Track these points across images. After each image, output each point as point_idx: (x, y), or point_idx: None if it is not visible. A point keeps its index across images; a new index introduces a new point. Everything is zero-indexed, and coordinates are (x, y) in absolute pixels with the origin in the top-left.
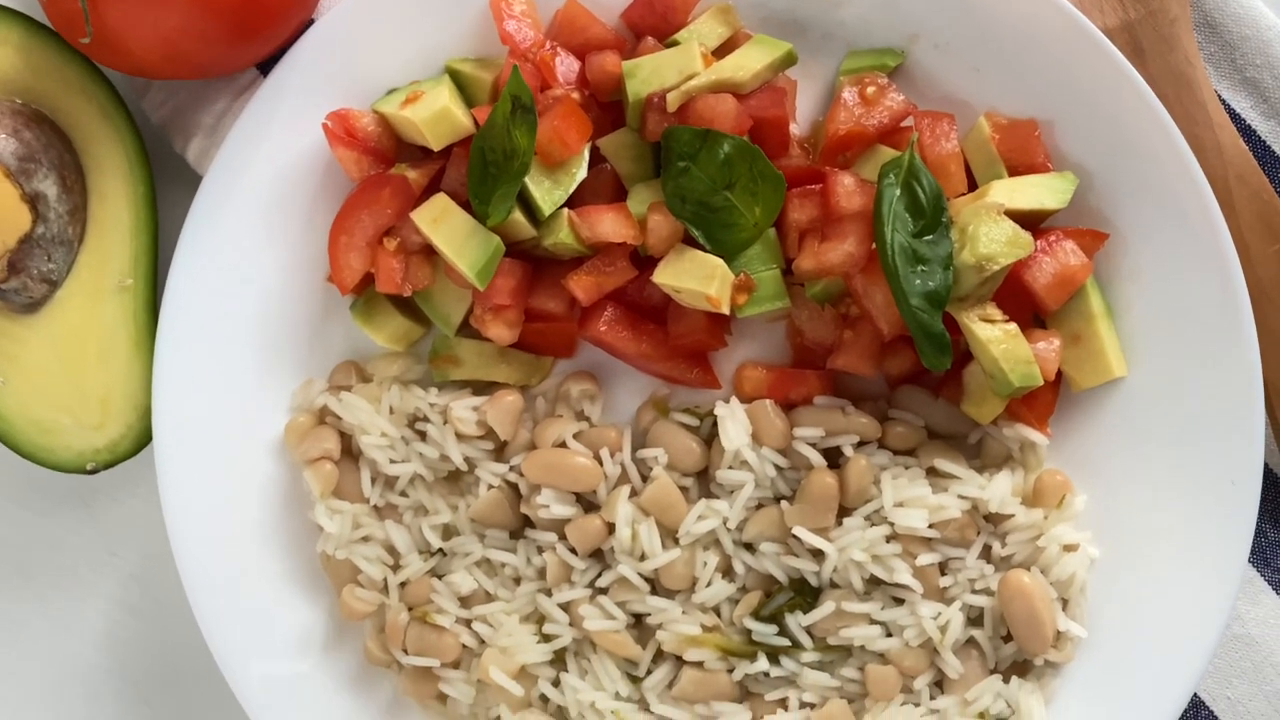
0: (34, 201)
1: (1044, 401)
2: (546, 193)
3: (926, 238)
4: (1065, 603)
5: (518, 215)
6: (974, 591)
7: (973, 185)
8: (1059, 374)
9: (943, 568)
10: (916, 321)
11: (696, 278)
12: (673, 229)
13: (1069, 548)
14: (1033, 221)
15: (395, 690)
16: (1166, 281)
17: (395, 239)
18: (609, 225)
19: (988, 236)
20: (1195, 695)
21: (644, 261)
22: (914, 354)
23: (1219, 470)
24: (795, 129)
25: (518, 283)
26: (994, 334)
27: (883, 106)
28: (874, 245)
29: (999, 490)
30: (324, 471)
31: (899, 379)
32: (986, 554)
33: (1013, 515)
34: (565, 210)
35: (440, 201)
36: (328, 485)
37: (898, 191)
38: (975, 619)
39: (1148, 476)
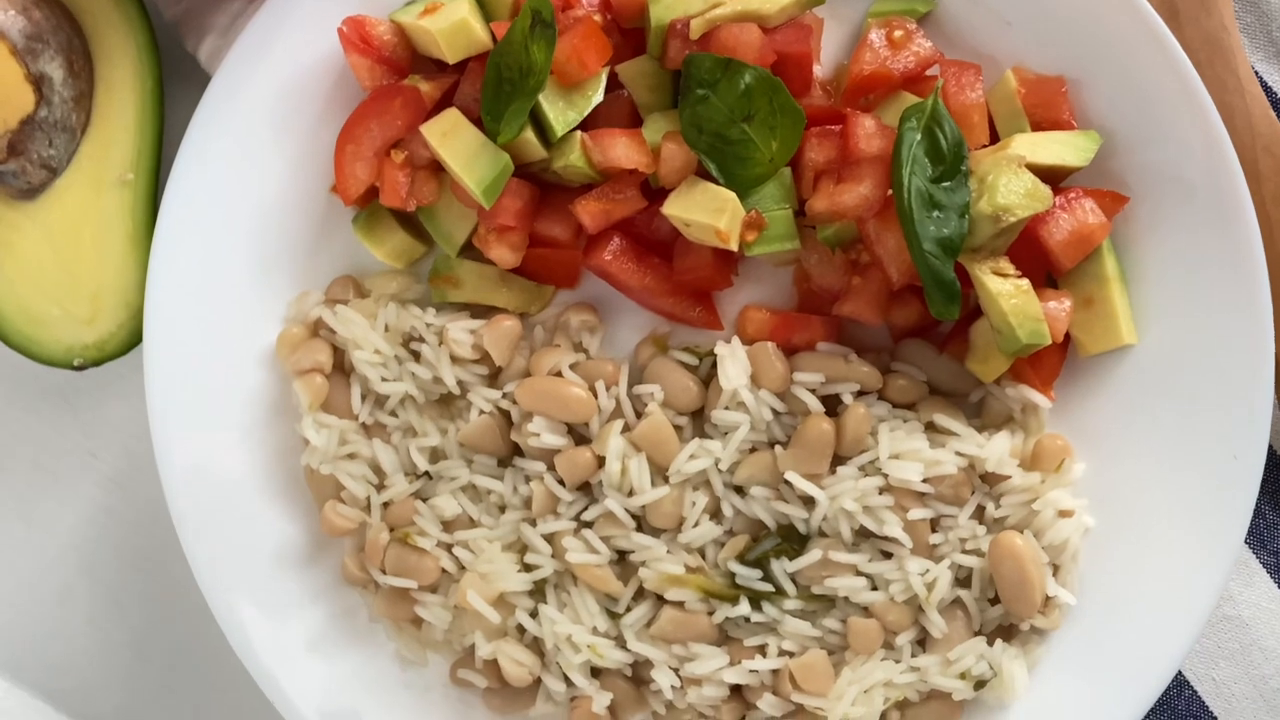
0: (38, 83)
1: (1050, 364)
2: (560, 113)
3: (944, 184)
4: (1056, 569)
5: (529, 134)
6: (964, 551)
7: (994, 139)
8: (1067, 337)
9: (934, 525)
10: (928, 267)
11: (707, 210)
12: (686, 159)
13: (1064, 513)
14: (1053, 179)
15: (370, 611)
16: (1184, 250)
17: (403, 152)
18: (622, 150)
19: (1007, 187)
20: (1180, 674)
21: (654, 194)
22: (921, 305)
23: (1222, 444)
24: (818, 70)
25: (524, 205)
26: (1005, 288)
27: (909, 51)
28: (890, 190)
29: (997, 449)
30: (314, 384)
31: (904, 331)
32: (979, 515)
33: (1009, 477)
34: (578, 133)
35: (451, 116)
36: (317, 398)
37: (919, 136)
38: (963, 579)
39: (1149, 447)
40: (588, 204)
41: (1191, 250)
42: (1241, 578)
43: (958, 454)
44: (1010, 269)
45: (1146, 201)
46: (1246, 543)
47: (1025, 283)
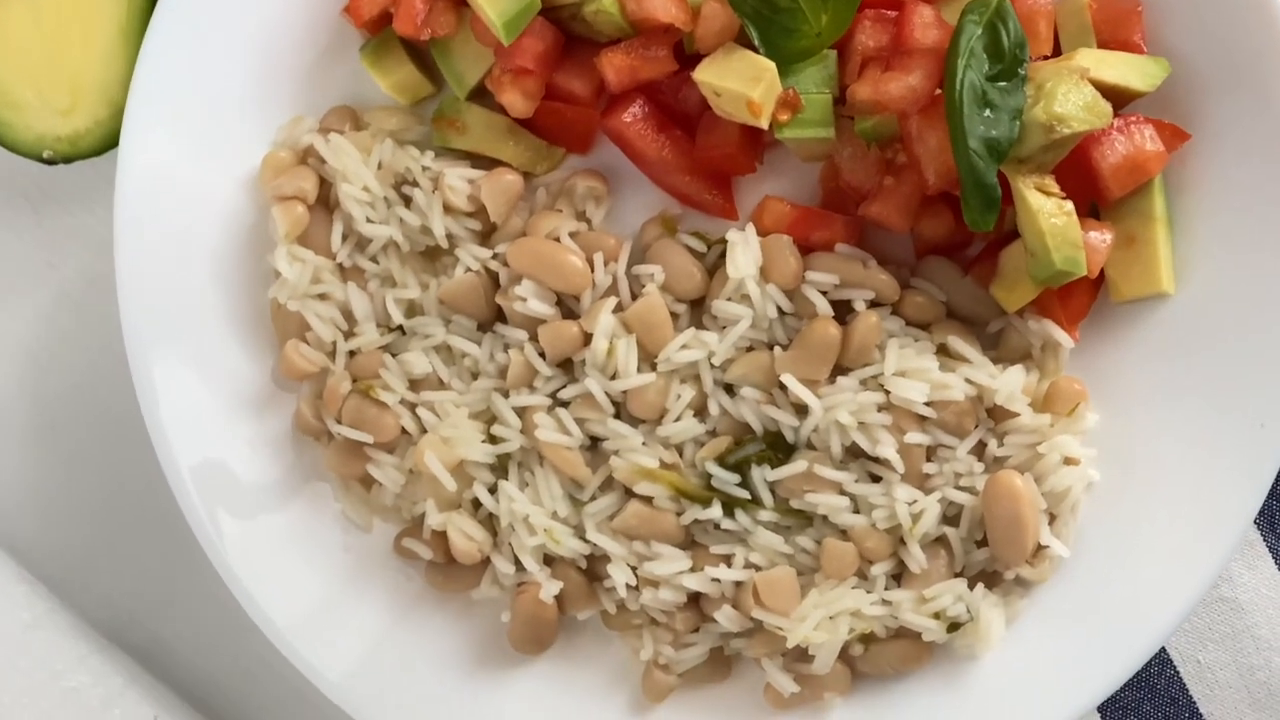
0: None
1: (1079, 301)
2: None
3: (1000, 84)
4: (1052, 519)
5: None
6: (957, 486)
7: (1057, 54)
8: (1099, 278)
9: (930, 454)
10: (970, 168)
11: (742, 78)
12: (727, 22)
13: (1070, 461)
14: (1114, 101)
15: (320, 464)
16: (1239, 203)
17: None
18: (660, 1)
19: (1065, 97)
20: (1164, 650)
21: (687, 60)
22: (953, 217)
23: (1249, 412)
24: None
25: (546, 49)
26: (1047, 205)
27: None
28: (939, 88)
29: (1010, 383)
30: (294, 212)
31: (930, 246)
32: (980, 451)
33: (1018, 414)
34: None
35: None
36: (294, 228)
37: (979, 29)
38: (952, 517)
39: (1170, 405)
40: (614, 58)
41: (1247, 204)
42: (1245, 559)
43: (967, 381)
44: (1055, 188)
45: (1208, 144)
46: (1256, 522)
47: (1069, 204)
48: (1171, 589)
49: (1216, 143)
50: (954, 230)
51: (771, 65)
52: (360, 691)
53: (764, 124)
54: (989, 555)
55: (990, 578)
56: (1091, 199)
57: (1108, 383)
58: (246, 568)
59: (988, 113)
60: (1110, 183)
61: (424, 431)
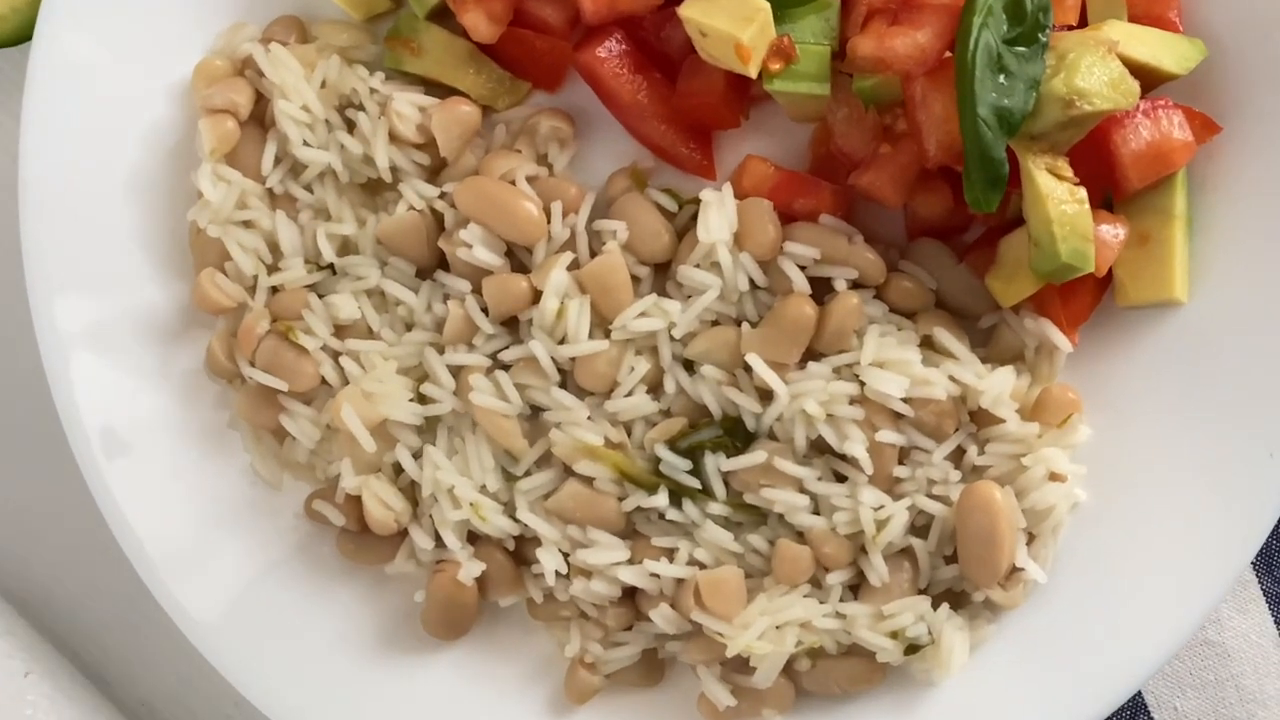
0: None
1: (1081, 302)
2: None
3: (1018, 48)
4: (1031, 539)
5: None
6: (930, 494)
7: (1083, 25)
8: (1105, 280)
9: (902, 455)
10: (976, 137)
11: (732, 18)
12: None
13: (1055, 477)
14: (1142, 82)
15: (231, 412)
16: (1267, 204)
17: None
18: None
19: (1089, 70)
20: (1139, 695)
21: None
22: (952, 195)
23: (1257, 439)
24: None
25: None
26: (1058, 190)
27: None
28: (951, 47)
29: (998, 385)
30: (223, 127)
31: (923, 226)
32: (957, 457)
33: (1003, 421)
34: None
35: None
36: (223, 144)
37: None
38: (920, 527)
39: (1171, 425)
40: None
41: (1276, 209)
42: (1236, 601)
43: (951, 379)
44: (1068, 171)
45: (1239, 139)
46: (1252, 563)
47: (1082, 192)
48: (1154, 628)
49: (1249, 139)
50: (951, 211)
51: (766, 7)
52: (241, 654)
53: (752, 72)
54: (957, 573)
55: (957, 598)
56: (1106, 189)
57: (1104, 394)
58: (132, 507)
59: (1002, 79)
60: (1130, 172)
61: (345, 383)
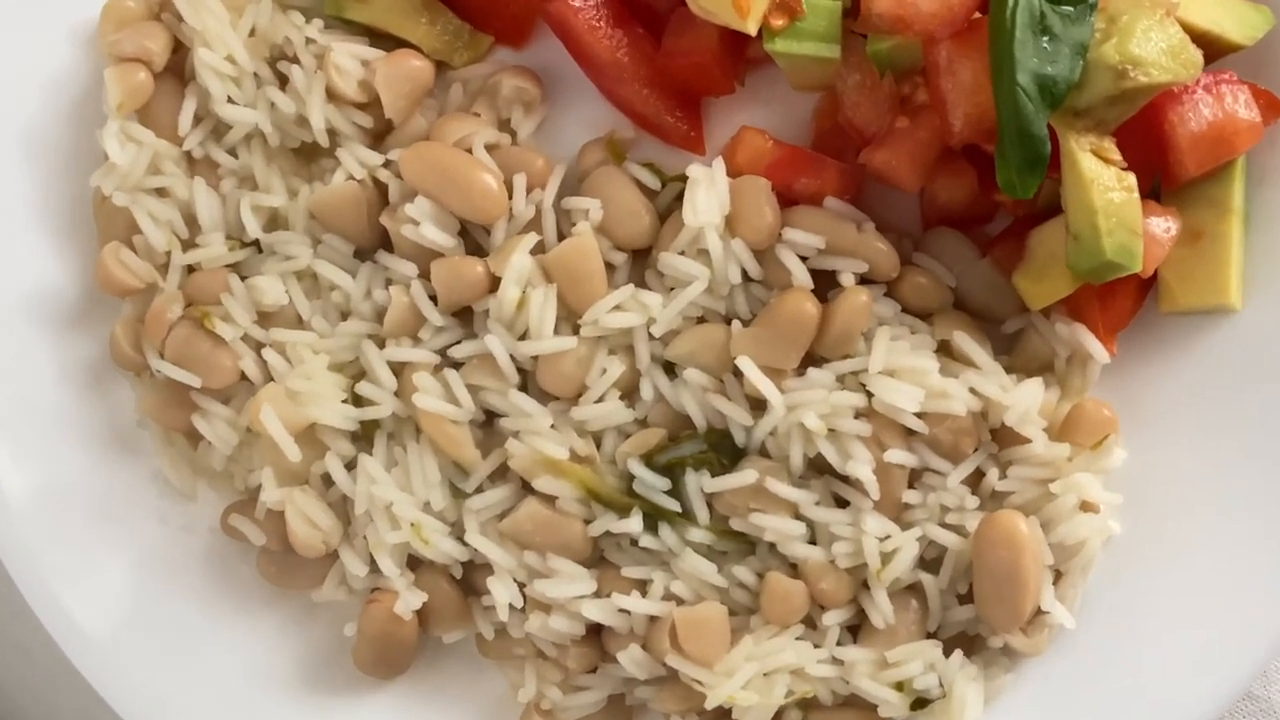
0: None
1: (1121, 306)
2: None
3: (1064, 8)
4: (1058, 576)
5: None
6: (943, 524)
7: None
8: (1150, 278)
9: (913, 478)
10: (1015, 110)
11: None
12: None
13: (1087, 506)
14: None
15: (135, 406)
16: None
17: None
18: None
19: (1145, 36)
20: None
21: None
22: (976, 180)
23: None
24: None
25: None
26: (1104, 176)
27: None
28: (982, 5)
29: (1024, 400)
30: (133, 79)
31: (943, 213)
32: (976, 481)
33: (1029, 440)
34: None
35: None
36: (132, 98)
37: None
38: (931, 561)
39: (1220, 450)
40: None
41: None
42: None
43: (971, 391)
44: (1116, 154)
45: None
46: None
47: (1130, 178)
48: (1195, 684)
49: None
50: (975, 197)
51: None
52: (137, 683)
53: (751, 29)
54: (972, 615)
55: (970, 643)
56: (1154, 176)
57: (1144, 412)
58: (22, 513)
59: (1045, 42)
60: (1187, 157)
61: (269, 380)
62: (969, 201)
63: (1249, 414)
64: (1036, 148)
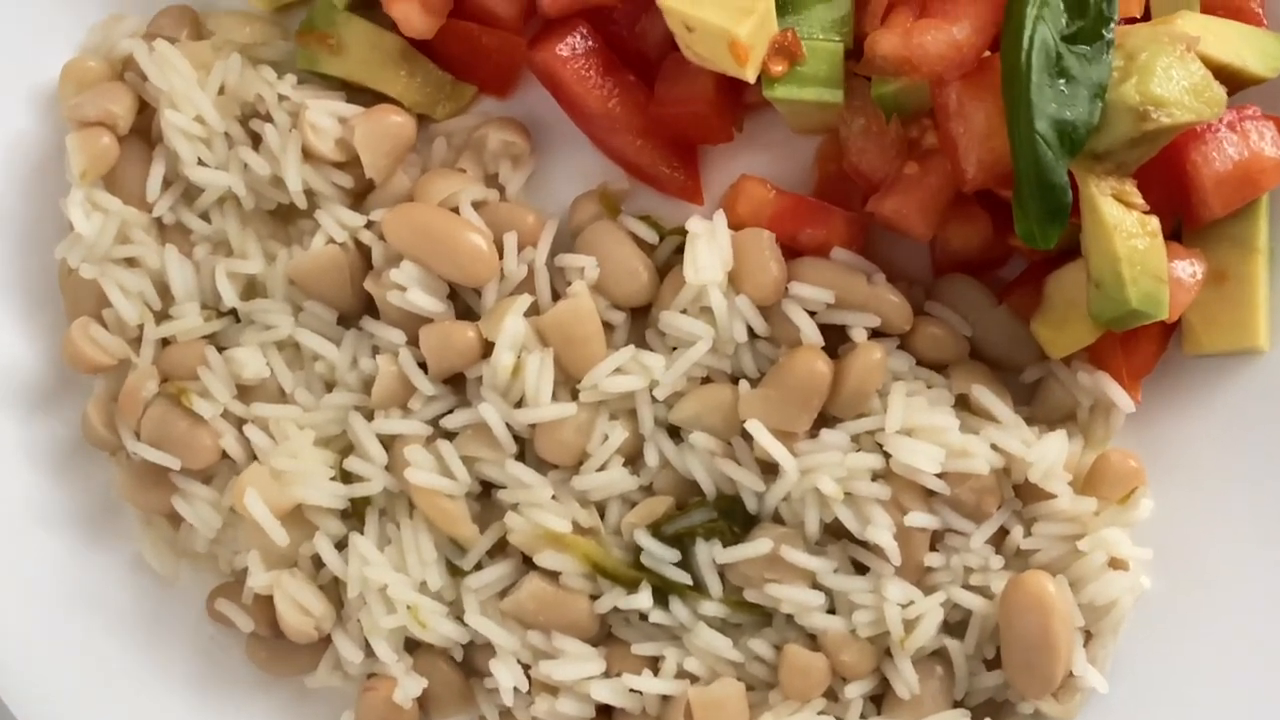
0: None
1: (1145, 351)
2: None
3: (1080, 47)
4: (1088, 637)
5: None
6: (967, 585)
7: (1146, 17)
8: (1176, 320)
9: (935, 539)
10: (1034, 159)
11: (725, 9)
12: None
13: (1117, 564)
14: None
15: (112, 488)
16: None
17: None
18: None
19: (1166, 74)
20: None
21: None
22: (990, 225)
23: None
24: None
25: None
26: (1127, 222)
27: None
28: (992, 44)
29: (1049, 455)
30: (97, 145)
31: (955, 260)
32: (999, 538)
33: (1055, 496)
34: None
35: None
36: (97, 165)
37: None
38: (956, 625)
39: (1254, 499)
40: None
41: None
42: None
43: (994, 448)
44: (1138, 198)
45: None
46: None
47: (1154, 222)
48: None
49: None
50: (992, 240)
51: None
52: None
53: (751, 76)
54: (1000, 680)
55: (999, 709)
56: (1176, 215)
57: (1170, 460)
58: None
59: (1062, 85)
60: (1212, 197)
61: (252, 458)
62: (983, 247)
63: (1271, 454)
64: (1058, 197)
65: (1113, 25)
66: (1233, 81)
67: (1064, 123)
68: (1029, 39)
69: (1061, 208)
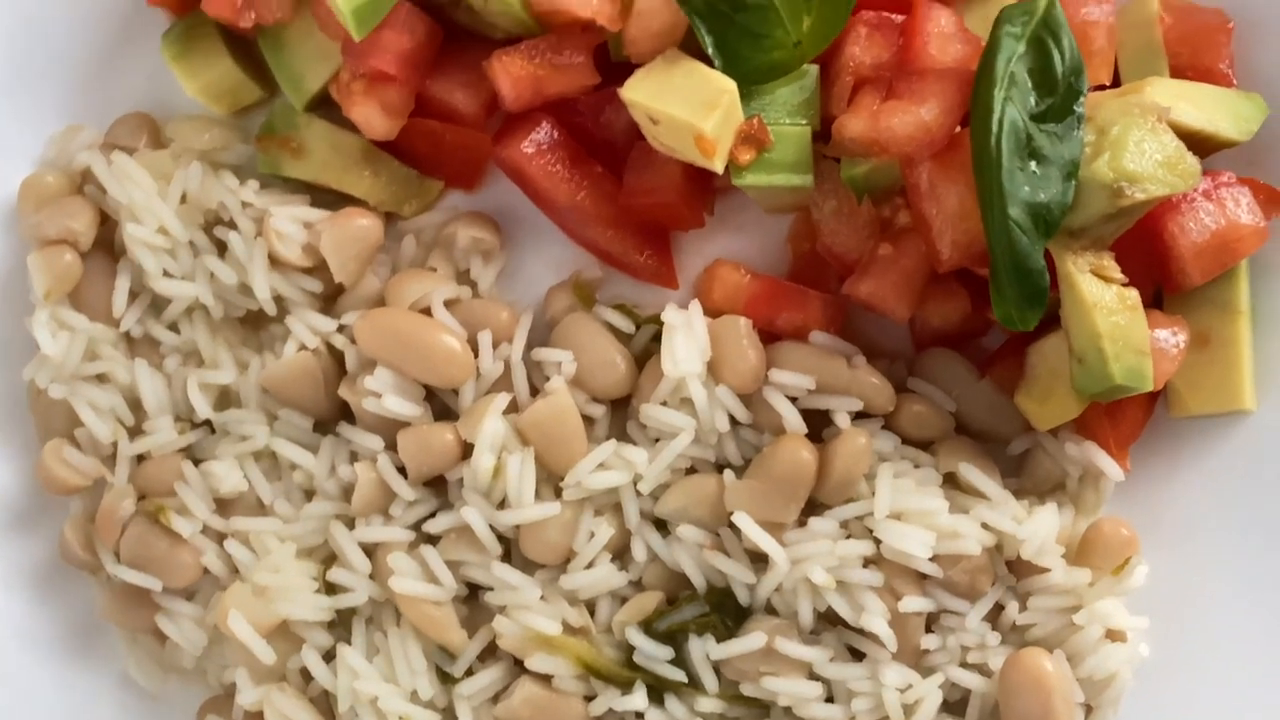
0: None
1: (1131, 419)
2: None
3: (1050, 125)
4: (1088, 711)
5: None
6: (965, 664)
7: (1116, 83)
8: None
9: (930, 619)
10: (1009, 245)
11: (689, 103)
12: (670, 21)
13: (1114, 635)
14: (1195, 151)
15: (95, 608)
16: None
17: None
18: None
19: (1139, 148)
20: None
21: (612, 70)
22: (968, 301)
23: None
24: None
25: (416, 46)
26: (1106, 298)
27: None
28: (961, 121)
29: (1041, 531)
30: (59, 262)
31: (934, 335)
32: (995, 614)
33: (1048, 570)
34: None
35: None
36: (61, 283)
37: (1022, 46)
38: (956, 704)
39: (1248, 562)
40: (512, 63)
41: None
42: None
43: (984, 527)
44: (1116, 271)
45: None
46: None
47: (1134, 295)
48: None
49: None
50: (970, 317)
51: (731, 84)
52: None
53: (718, 168)
54: None
55: None
56: (1156, 282)
57: (1161, 524)
58: None
59: (1034, 167)
60: (1191, 267)
61: (234, 574)
62: (962, 321)
63: (1271, 517)
64: (1035, 281)
65: (1082, 100)
66: (1206, 146)
67: (1038, 205)
68: (998, 122)
69: (1040, 291)
